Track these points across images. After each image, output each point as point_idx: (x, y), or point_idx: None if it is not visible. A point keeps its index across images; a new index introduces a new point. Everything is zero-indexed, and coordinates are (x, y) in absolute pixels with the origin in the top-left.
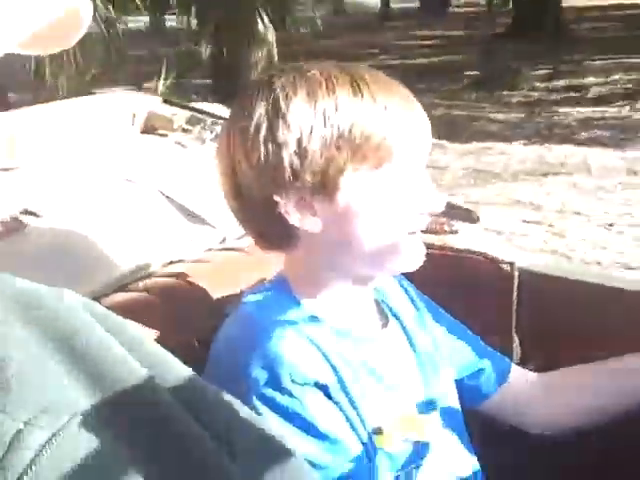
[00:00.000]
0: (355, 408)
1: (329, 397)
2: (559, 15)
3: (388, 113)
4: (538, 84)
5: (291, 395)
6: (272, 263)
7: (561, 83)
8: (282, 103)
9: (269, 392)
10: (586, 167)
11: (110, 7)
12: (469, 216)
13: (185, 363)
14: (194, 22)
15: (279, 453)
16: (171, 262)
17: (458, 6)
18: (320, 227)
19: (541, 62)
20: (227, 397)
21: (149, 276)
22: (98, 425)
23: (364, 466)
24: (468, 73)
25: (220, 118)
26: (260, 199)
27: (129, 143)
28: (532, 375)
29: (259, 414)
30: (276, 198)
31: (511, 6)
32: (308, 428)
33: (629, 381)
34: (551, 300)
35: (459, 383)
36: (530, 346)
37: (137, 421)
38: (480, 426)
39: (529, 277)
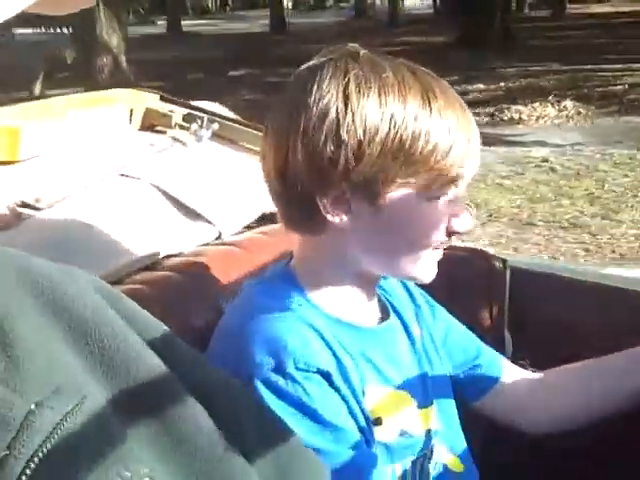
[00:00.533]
0: (356, 397)
1: (331, 384)
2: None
3: (451, 135)
4: None
5: (294, 381)
6: (268, 258)
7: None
8: (354, 97)
9: (273, 377)
10: None
11: None
12: None
13: None
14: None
15: (286, 440)
16: (167, 256)
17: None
18: (350, 226)
19: (455, 69)
20: (235, 382)
21: (146, 269)
22: (107, 409)
23: (365, 454)
24: None
25: (217, 115)
26: (302, 183)
27: (126, 139)
28: (527, 373)
29: (263, 399)
30: (320, 188)
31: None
32: (311, 414)
33: (626, 379)
34: (543, 297)
35: (454, 379)
36: (522, 343)
37: (147, 407)
38: (474, 424)
39: (521, 274)
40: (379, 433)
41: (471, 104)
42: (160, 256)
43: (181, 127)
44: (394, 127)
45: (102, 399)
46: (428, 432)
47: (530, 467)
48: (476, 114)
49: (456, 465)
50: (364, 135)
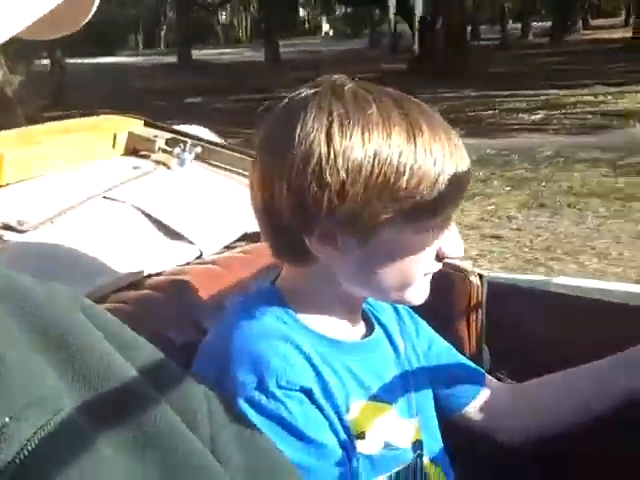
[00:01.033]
0: (338, 413)
1: (313, 402)
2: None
3: (437, 167)
4: None
5: (276, 399)
6: (248, 276)
7: None
8: (337, 138)
9: (256, 395)
10: None
11: None
12: None
13: None
14: None
15: (265, 451)
16: (149, 275)
17: None
18: (338, 260)
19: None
20: (212, 395)
21: (128, 288)
22: (83, 422)
23: (347, 470)
24: None
25: (200, 140)
26: (288, 221)
27: (110, 163)
28: (507, 385)
29: (246, 417)
30: (306, 227)
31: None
32: (293, 432)
33: (608, 384)
34: (519, 311)
35: (436, 392)
36: (499, 356)
37: (122, 419)
38: (455, 436)
39: (498, 288)
40: (363, 446)
41: None
42: (142, 275)
43: (164, 151)
44: (377, 165)
45: (79, 411)
46: (415, 443)
47: (509, 477)
48: None
49: (438, 476)
50: (347, 175)
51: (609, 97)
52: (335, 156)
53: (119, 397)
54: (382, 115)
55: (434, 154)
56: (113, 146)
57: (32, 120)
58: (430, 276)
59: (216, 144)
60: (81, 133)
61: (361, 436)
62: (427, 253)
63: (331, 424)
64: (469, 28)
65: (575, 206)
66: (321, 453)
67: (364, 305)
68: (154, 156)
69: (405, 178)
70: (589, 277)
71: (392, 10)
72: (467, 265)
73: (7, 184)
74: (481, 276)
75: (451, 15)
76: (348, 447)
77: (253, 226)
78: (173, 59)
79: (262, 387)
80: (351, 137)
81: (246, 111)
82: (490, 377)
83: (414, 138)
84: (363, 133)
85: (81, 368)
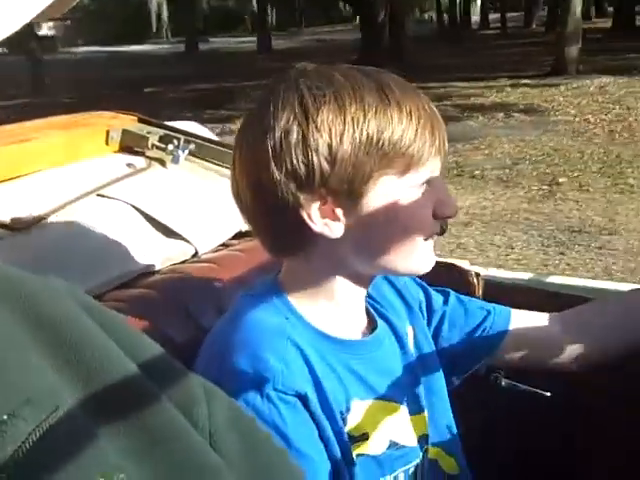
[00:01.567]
0: (333, 418)
1: (307, 407)
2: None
3: (414, 120)
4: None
5: (271, 401)
6: (244, 274)
7: None
8: (312, 108)
9: (251, 395)
10: None
11: None
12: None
13: None
14: None
15: (266, 448)
16: (145, 273)
17: None
18: (341, 233)
19: None
20: (212, 389)
21: (124, 287)
22: (82, 418)
23: (335, 478)
24: None
25: (193, 136)
26: (282, 204)
27: (103, 160)
28: (545, 316)
29: (246, 413)
30: (302, 202)
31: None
32: (281, 438)
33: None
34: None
35: (470, 341)
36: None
37: (123, 414)
38: (470, 425)
39: (494, 287)
40: (367, 447)
41: None
42: (138, 274)
43: (158, 148)
44: (357, 125)
45: (77, 407)
46: (421, 438)
47: (524, 467)
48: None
49: (452, 467)
50: (330, 138)
51: (485, 91)
52: (315, 122)
53: (119, 392)
54: (349, 80)
55: (408, 108)
56: (106, 143)
57: None
58: (432, 243)
59: (210, 140)
60: (73, 130)
61: (364, 437)
62: (424, 210)
63: (323, 431)
64: (477, 18)
65: None
66: (305, 464)
67: (367, 302)
68: (147, 153)
69: (386, 134)
70: None
71: None
72: (464, 264)
73: (0, 181)
74: (477, 274)
75: (392, 9)
76: (339, 454)
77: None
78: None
79: (258, 388)
80: (325, 103)
81: (190, 99)
82: (522, 312)
83: (386, 96)
84: (336, 98)
85: (79, 362)
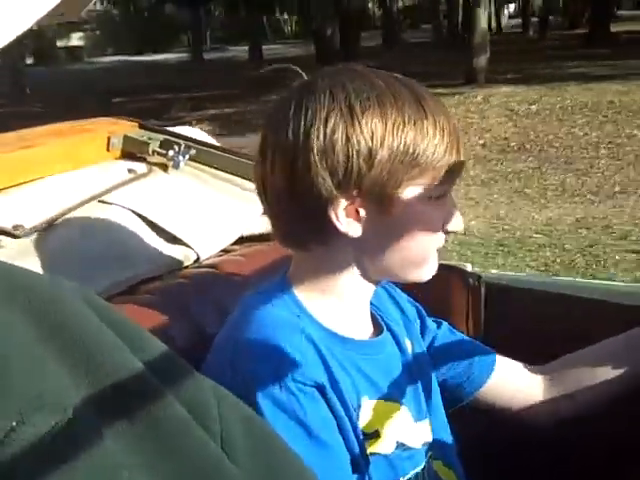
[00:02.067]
0: (348, 412)
1: (325, 398)
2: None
3: (445, 136)
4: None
5: (290, 392)
6: (246, 279)
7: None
8: (358, 109)
9: (270, 387)
10: None
11: None
12: None
13: None
14: None
15: (277, 450)
16: (147, 279)
17: None
18: (360, 233)
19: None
20: (222, 392)
21: (126, 293)
22: (91, 421)
23: (351, 472)
24: None
25: (194, 141)
26: (314, 195)
27: (105, 166)
28: (527, 367)
29: (260, 409)
30: (334, 198)
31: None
32: (302, 428)
33: (625, 361)
34: (517, 311)
35: (448, 381)
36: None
37: (131, 415)
38: (466, 434)
39: (495, 289)
40: (379, 446)
41: None
42: (140, 280)
43: (159, 154)
44: (397, 134)
45: (87, 409)
46: (425, 445)
47: (517, 476)
48: None
49: (449, 476)
50: (373, 142)
51: None
52: (360, 123)
53: (129, 393)
54: (389, 87)
55: (441, 123)
56: (107, 149)
57: None
58: (437, 253)
59: (211, 146)
60: (74, 136)
61: (375, 435)
62: (438, 222)
63: (341, 422)
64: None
65: None
66: (326, 454)
67: (371, 307)
68: (149, 159)
69: (422, 146)
70: None
71: None
72: (465, 266)
73: (1, 189)
74: (479, 277)
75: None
76: (357, 447)
77: (249, 229)
78: (207, 56)
79: (277, 379)
80: (369, 107)
81: (149, 109)
82: (507, 360)
83: (423, 108)
84: (379, 104)
85: (89, 364)
